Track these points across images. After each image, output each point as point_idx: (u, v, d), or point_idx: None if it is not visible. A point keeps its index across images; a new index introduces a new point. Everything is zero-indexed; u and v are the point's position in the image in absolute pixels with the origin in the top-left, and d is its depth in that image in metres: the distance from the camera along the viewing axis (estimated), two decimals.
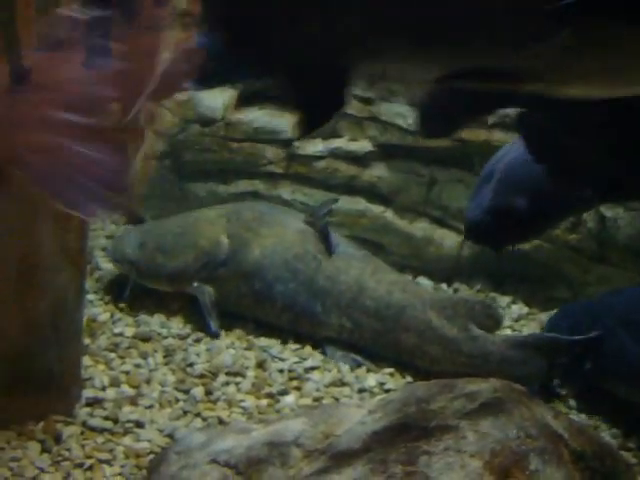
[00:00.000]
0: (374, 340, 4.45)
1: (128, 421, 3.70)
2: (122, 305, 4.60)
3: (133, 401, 3.83)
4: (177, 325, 4.53)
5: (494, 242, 2.90)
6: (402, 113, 5.24)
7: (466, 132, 5.10)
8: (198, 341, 4.41)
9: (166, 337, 4.37)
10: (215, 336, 4.48)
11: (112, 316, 4.52)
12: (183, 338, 4.39)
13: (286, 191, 5.43)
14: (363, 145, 5.37)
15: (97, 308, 4.53)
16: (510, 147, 2.68)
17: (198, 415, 3.84)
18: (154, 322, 4.51)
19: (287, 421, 3.08)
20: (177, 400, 3.89)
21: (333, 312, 4.48)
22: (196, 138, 5.45)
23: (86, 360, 3.96)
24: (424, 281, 5.18)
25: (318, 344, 4.50)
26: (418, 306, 4.39)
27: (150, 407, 3.81)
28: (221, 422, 3.77)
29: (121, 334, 4.35)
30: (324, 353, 4.43)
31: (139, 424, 3.69)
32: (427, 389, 3.02)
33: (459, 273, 5.22)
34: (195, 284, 4.62)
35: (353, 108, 5.34)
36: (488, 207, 2.64)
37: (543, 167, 2.58)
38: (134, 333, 4.38)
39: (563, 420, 2.87)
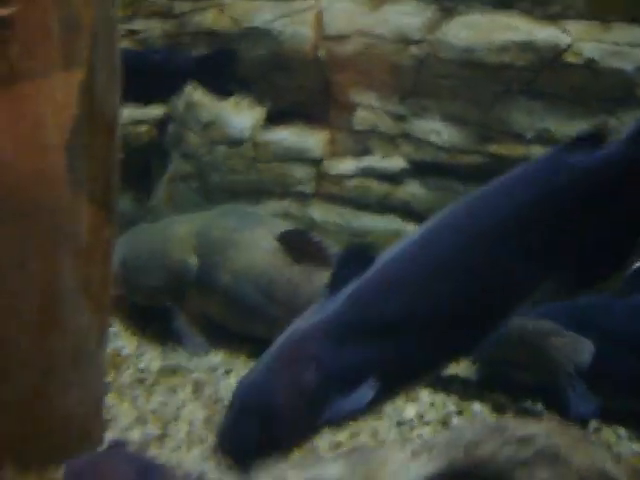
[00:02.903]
0: None
1: None
2: (148, 335, 4.47)
3: (159, 442, 3.64)
4: (204, 357, 4.37)
5: (241, 458, 3.03)
6: (436, 129, 5.07)
7: (503, 147, 4.92)
8: (228, 373, 4.22)
9: (194, 370, 4.19)
10: (199, 351, 4.40)
11: (137, 348, 4.38)
12: (213, 370, 4.21)
13: (317, 211, 5.26)
14: (396, 162, 5.20)
15: (122, 340, 4.39)
16: (253, 369, 2.66)
17: None
18: (181, 353, 4.36)
19: (324, 465, 2.87)
20: (206, 438, 3.69)
21: None
22: (223, 159, 5.29)
23: (110, 398, 3.78)
24: None
25: None
26: None
27: (177, 448, 3.62)
28: None
29: (147, 368, 4.19)
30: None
31: None
32: (475, 432, 2.80)
33: None
34: (167, 303, 4.56)
35: (385, 125, 5.17)
36: (229, 431, 2.83)
37: None
38: (160, 367, 4.22)
39: (625, 466, 2.65)
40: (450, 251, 2.59)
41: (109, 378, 3.97)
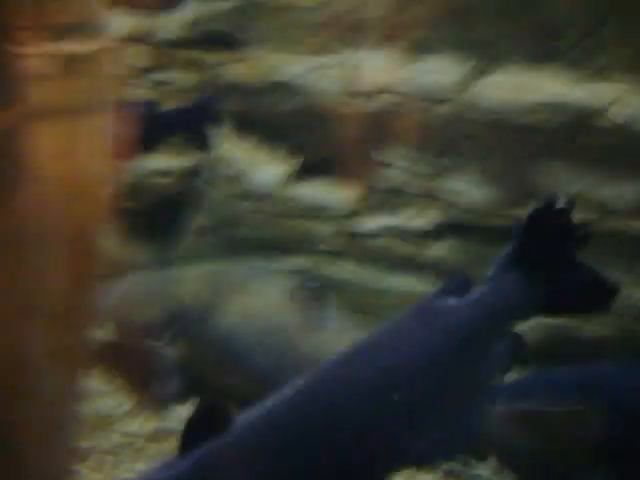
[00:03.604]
0: None
1: None
2: (147, 397, 4.27)
3: None
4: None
5: None
6: (464, 190, 4.97)
7: None
8: None
9: None
10: (163, 403, 4.20)
11: (133, 408, 4.19)
12: None
13: (342, 270, 5.17)
14: (423, 223, 5.09)
15: (116, 399, 4.21)
16: None
17: None
18: (178, 416, 4.12)
19: None
20: None
21: None
22: (247, 214, 5.25)
23: (87, 466, 3.63)
24: None
25: None
26: None
27: None
28: None
29: (137, 432, 3.99)
30: None
31: None
32: None
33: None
34: (158, 344, 4.39)
35: (413, 184, 5.09)
36: None
37: None
38: (153, 429, 4.02)
39: None
40: (320, 415, 2.42)
41: (90, 442, 3.81)
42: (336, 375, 2.53)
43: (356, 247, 5.18)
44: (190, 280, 4.57)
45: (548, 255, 2.72)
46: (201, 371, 4.44)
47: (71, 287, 3.05)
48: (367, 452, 2.40)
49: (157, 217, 5.49)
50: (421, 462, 2.64)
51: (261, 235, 5.26)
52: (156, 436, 4.04)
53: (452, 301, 2.66)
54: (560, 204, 2.80)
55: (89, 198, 3.09)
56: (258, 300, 4.41)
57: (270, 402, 2.50)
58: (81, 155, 3.00)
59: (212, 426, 2.41)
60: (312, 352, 4.21)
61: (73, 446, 3.29)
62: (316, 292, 4.37)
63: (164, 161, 5.43)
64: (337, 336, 4.29)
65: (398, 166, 5.12)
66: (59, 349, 3.02)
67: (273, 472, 2.35)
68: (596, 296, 2.78)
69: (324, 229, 5.20)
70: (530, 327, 4.74)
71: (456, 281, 2.73)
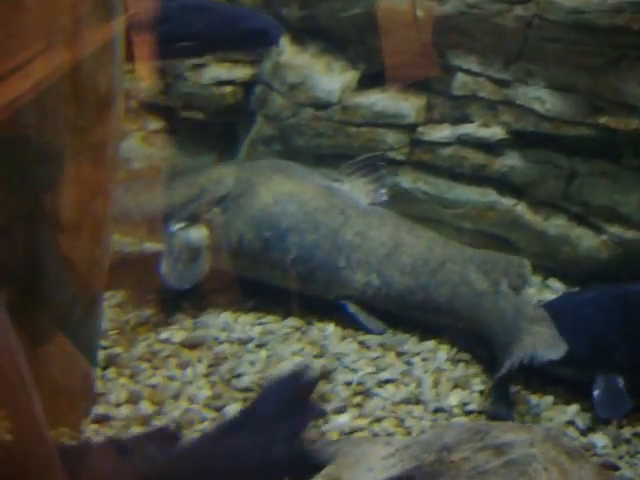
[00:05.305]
0: (400, 299, 4.13)
1: None
2: (188, 304, 4.20)
3: (146, 420, 3.41)
4: (243, 327, 4.10)
5: None
6: (540, 97, 4.71)
7: (614, 119, 4.51)
8: (261, 346, 3.94)
9: (222, 342, 3.94)
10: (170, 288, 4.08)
11: (168, 317, 4.10)
12: (243, 343, 3.97)
13: (407, 179, 5.02)
14: (495, 131, 4.87)
15: (151, 309, 4.12)
16: None
17: None
18: (217, 323, 4.07)
19: None
20: (201, 420, 3.43)
21: (360, 268, 4.14)
22: (309, 122, 5.10)
23: (111, 372, 3.64)
24: (555, 284, 4.66)
25: (329, 306, 4.16)
26: (459, 260, 4.16)
27: None
28: None
29: (167, 340, 3.94)
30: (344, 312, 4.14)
31: None
32: (457, 434, 2.57)
33: (596, 277, 4.60)
34: (176, 226, 4.22)
35: (485, 90, 4.86)
36: None
37: None
38: (183, 338, 3.95)
39: None
40: None
41: (119, 349, 3.81)
42: None
43: (423, 155, 5.00)
44: (229, 168, 4.47)
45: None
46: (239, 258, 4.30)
47: (76, 198, 3.00)
48: None
49: (219, 126, 5.42)
50: None
51: (324, 143, 5.12)
52: (187, 344, 4.00)
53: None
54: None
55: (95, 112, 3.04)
56: (299, 184, 4.31)
57: None
58: None
59: None
60: (365, 231, 4.18)
61: (94, 353, 3.32)
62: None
63: (224, 70, 5.33)
64: (380, 223, 4.23)
65: (470, 72, 4.89)
66: (69, 256, 2.99)
67: None
68: None
69: (390, 137, 5.02)
70: (602, 241, 4.55)
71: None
